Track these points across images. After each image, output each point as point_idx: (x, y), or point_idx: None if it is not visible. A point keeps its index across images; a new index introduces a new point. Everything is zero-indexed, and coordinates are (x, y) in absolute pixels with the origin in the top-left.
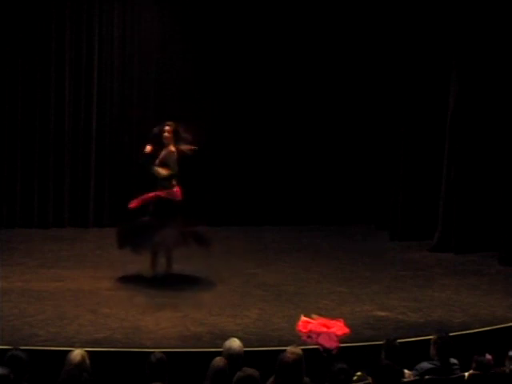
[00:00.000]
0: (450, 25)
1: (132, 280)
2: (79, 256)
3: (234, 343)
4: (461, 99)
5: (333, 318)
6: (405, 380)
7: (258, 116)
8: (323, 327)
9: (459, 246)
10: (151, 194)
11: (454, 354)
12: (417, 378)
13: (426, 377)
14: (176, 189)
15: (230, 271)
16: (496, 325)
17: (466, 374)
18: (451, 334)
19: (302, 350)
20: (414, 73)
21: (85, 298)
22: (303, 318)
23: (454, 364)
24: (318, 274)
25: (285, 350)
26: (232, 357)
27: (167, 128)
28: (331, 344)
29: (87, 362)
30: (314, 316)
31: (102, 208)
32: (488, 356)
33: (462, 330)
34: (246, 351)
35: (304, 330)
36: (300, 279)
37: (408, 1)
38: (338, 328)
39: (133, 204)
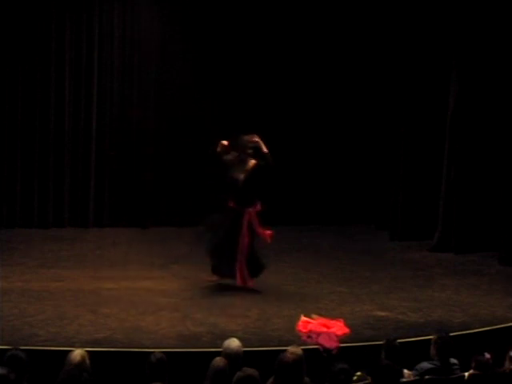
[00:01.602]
0: (450, 25)
1: (133, 280)
2: (79, 256)
3: (233, 343)
4: (461, 99)
5: (333, 318)
6: (405, 380)
7: (257, 116)
8: (323, 327)
9: (459, 245)
10: None
11: (454, 354)
12: (417, 378)
13: (426, 377)
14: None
15: None
16: (496, 325)
17: (466, 374)
18: (451, 334)
19: (302, 350)
20: (414, 73)
21: (85, 297)
22: (303, 318)
23: (454, 364)
24: (318, 274)
25: (285, 350)
26: (230, 356)
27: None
28: (331, 344)
29: (87, 362)
30: (313, 316)
31: (102, 208)
32: (487, 355)
33: (462, 330)
34: (246, 351)
35: (304, 330)
36: (300, 279)
37: (408, 1)
38: (338, 328)
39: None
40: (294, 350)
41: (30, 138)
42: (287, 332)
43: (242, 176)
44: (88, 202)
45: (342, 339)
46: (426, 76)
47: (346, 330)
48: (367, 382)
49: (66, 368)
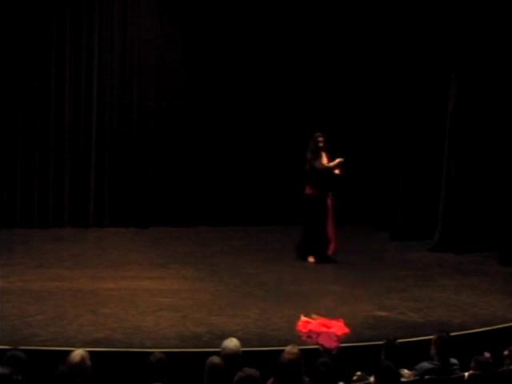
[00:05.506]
0: (450, 25)
1: (133, 280)
2: (79, 256)
3: (231, 343)
4: (461, 99)
5: (333, 318)
6: (405, 380)
7: (258, 116)
8: (323, 327)
9: (459, 245)
10: None
11: (454, 353)
12: (417, 378)
13: (426, 377)
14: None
15: (229, 271)
16: (496, 325)
17: (466, 374)
18: (451, 334)
19: (302, 350)
20: (414, 73)
21: (85, 298)
22: (303, 318)
23: (454, 364)
24: (317, 273)
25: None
26: (227, 356)
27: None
28: (331, 344)
29: (87, 362)
30: (314, 316)
31: (102, 208)
32: (487, 355)
33: (461, 330)
34: (245, 351)
35: (304, 330)
36: (300, 279)
37: (408, 1)
38: (338, 328)
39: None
40: (291, 350)
41: (30, 138)
42: (287, 332)
43: (325, 166)
44: (88, 202)
45: (341, 339)
46: (425, 76)
47: (346, 330)
48: (367, 382)
49: (65, 368)
